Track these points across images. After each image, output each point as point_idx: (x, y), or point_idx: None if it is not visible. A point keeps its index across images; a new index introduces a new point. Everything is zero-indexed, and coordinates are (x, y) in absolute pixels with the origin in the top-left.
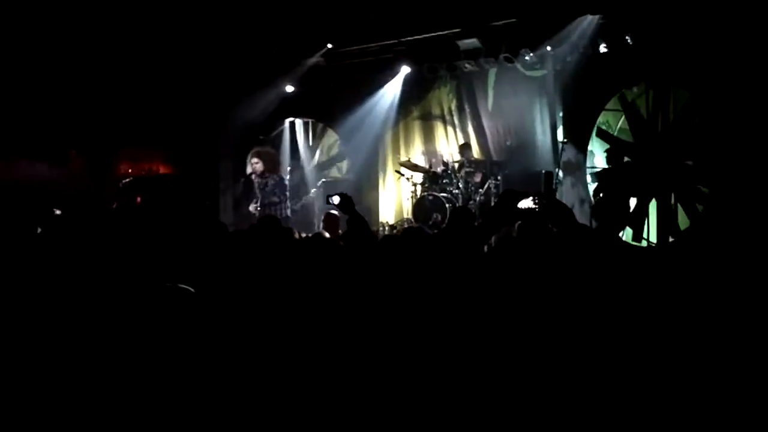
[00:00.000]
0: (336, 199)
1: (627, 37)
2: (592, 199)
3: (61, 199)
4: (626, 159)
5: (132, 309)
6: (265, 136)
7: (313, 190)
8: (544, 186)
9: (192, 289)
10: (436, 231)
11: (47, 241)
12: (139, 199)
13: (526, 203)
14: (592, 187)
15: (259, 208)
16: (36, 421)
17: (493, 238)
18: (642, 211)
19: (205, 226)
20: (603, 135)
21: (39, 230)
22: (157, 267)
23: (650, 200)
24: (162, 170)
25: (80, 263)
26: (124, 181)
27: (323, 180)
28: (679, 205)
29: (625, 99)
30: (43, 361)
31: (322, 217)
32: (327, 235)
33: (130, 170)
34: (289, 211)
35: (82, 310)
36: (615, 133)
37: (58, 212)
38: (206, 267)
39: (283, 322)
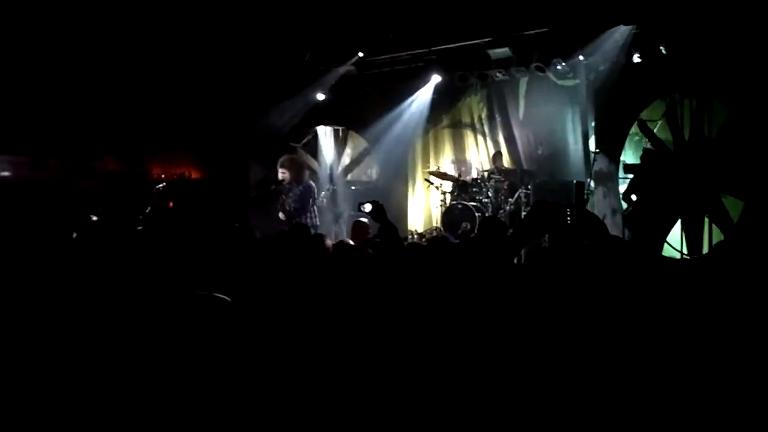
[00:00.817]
0: (368, 207)
1: (661, 47)
2: (623, 207)
3: (95, 203)
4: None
5: (165, 317)
6: (295, 143)
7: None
8: (575, 196)
9: (228, 299)
10: (464, 240)
11: (83, 246)
12: (171, 203)
13: (558, 215)
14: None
15: (285, 216)
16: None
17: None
18: (670, 222)
19: (236, 233)
20: (645, 130)
21: (74, 235)
22: (189, 274)
23: (682, 211)
24: (194, 175)
25: (114, 270)
26: (157, 186)
27: (353, 188)
28: (712, 217)
29: (673, 104)
30: (76, 367)
31: (351, 225)
32: (351, 242)
33: (162, 175)
34: (317, 220)
35: (116, 317)
36: (648, 144)
37: (94, 218)
38: (238, 275)
39: (314, 329)
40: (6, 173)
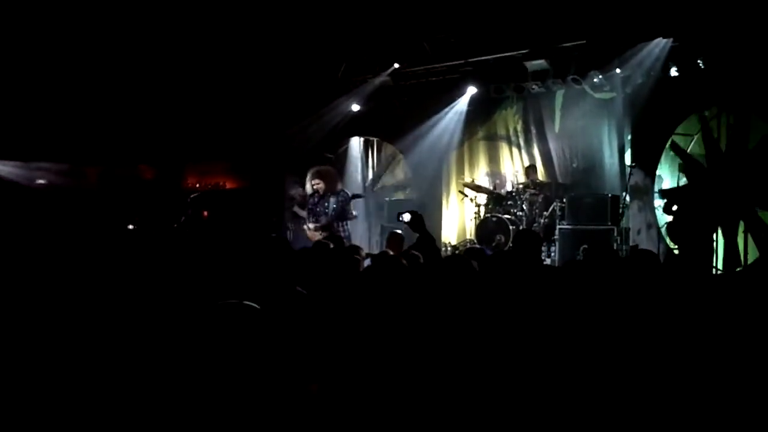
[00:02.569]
0: (407, 217)
1: (699, 61)
2: (659, 223)
3: (131, 212)
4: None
5: (197, 325)
6: (330, 154)
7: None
8: (610, 210)
9: (257, 306)
10: (498, 252)
11: (119, 255)
12: (206, 213)
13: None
14: (659, 204)
15: (317, 226)
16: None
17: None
18: (710, 238)
19: (271, 242)
20: (677, 150)
21: (111, 243)
22: (222, 282)
23: (718, 227)
24: (228, 185)
25: (148, 278)
26: (192, 195)
27: (387, 199)
28: (748, 232)
29: (704, 118)
30: (109, 374)
31: (388, 236)
32: (391, 253)
33: (197, 184)
34: (349, 231)
35: (148, 325)
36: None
37: (131, 227)
38: (271, 283)
39: (347, 339)
40: (44, 180)
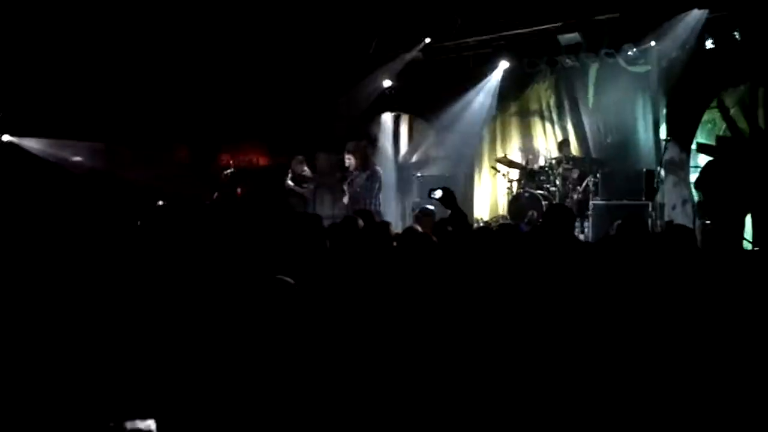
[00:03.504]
0: (438, 193)
1: (735, 33)
2: (695, 199)
3: (164, 190)
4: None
5: (232, 300)
6: (362, 130)
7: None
8: (645, 185)
9: (291, 281)
10: (534, 228)
11: (148, 233)
12: (239, 190)
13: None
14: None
15: (349, 202)
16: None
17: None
18: (745, 212)
19: (302, 219)
20: (724, 110)
21: (139, 223)
22: (257, 258)
23: (749, 202)
24: (262, 162)
25: (181, 255)
26: (225, 173)
27: (419, 175)
28: None
29: (722, 102)
30: (145, 351)
31: (417, 212)
32: (419, 228)
33: (231, 162)
34: (380, 207)
35: (182, 301)
36: (721, 132)
37: (161, 203)
38: (303, 258)
39: (379, 314)
40: (79, 158)
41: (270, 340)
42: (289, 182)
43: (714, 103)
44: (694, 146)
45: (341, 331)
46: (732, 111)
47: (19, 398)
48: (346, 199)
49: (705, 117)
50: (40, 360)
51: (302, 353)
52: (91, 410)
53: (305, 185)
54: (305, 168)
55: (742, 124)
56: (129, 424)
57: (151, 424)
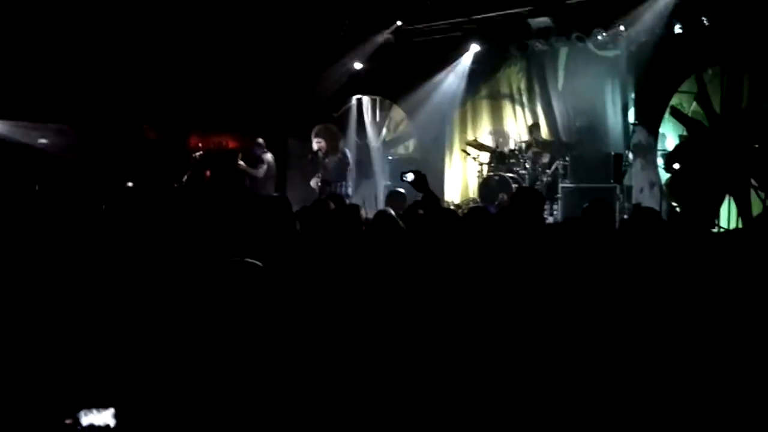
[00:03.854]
0: (410, 176)
1: (703, 18)
2: (662, 181)
3: (133, 171)
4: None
5: (200, 282)
6: (334, 113)
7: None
8: (613, 168)
9: (260, 263)
10: (502, 210)
11: (114, 214)
12: (208, 172)
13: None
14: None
15: (319, 185)
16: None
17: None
18: (717, 196)
19: (272, 201)
20: (677, 114)
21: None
22: (224, 241)
23: (723, 185)
24: (231, 145)
25: (147, 236)
26: (195, 155)
27: (389, 158)
28: (752, 191)
29: (702, 80)
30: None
31: (387, 195)
32: (392, 211)
33: (200, 144)
34: (350, 190)
35: (149, 284)
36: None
37: (130, 184)
38: (271, 241)
39: (346, 297)
40: (45, 140)
41: (238, 323)
42: (241, 162)
43: (684, 87)
44: (662, 130)
45: (309, 313)
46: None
47: None
48: (315, 182)
49: (673, 101)
50: None
51: (270, 335)
52: (47, 404)
53: (260, 166)
54: (265, 150)
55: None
56: (85, 417)
57: (109, 415)
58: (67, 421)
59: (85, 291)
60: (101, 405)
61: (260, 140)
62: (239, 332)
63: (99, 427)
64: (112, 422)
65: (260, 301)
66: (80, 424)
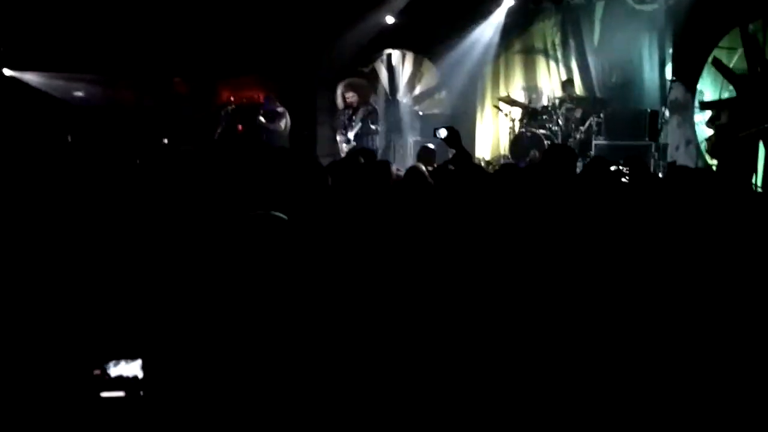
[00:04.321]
0: (443, 133)
1: None
2: (698, 140)
3: (165, 125)
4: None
5: (226, 236)
6: (363, 68)
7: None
8: (648, 125)
9: (285, 217)
10: (531, 166)
11: (151, 170)
12: (240, 127)
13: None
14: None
15: (350, 140)
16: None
17: None
18: (753, 153)
19: (302, 156)
20: (719, 66)
21: (138, 161)
22: (253, 195)
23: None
24: (262, 99)
25: (183, 192)
26: (226, 109)
27: (420, 113)
28: None
29: (746, 31)
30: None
31: (418, 150)
32: (423, 167)
33: (231, 98)
34: (376, 144)
35: (180, 238)
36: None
37: (165, 141)
38: (302, 196)
39: (375, 255)
40: (81, 93)
41: (264, 277)
42: (261, 118)
43: (724, 42)
44: (699, 86)
45: (333, 268)
46: (739, 52)
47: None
48: (347, 136)
49: (711, 57)
50: (21, 300)
51: (295, 289)
52: (75, 355)
53: (278, 120)
54: (278, 104)
55: (745, 65)
56: (113, 368)
57: (137, 366)
58: (95, 372)
59: (116, 243)
60: (129, 356)
61: (273, 95)
62: (266, 286)
63: (127, 378)
64: (140, 373)
65: (284, 254)
66: (108, 375)
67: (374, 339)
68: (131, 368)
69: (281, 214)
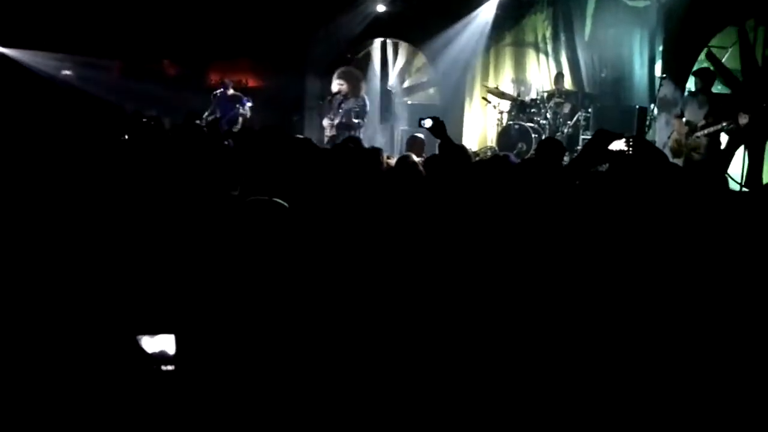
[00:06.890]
0: (428, 123)
1: None
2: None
3: (153, 106)
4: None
5: (223, 220)
6: (353, 56)
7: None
8: (637, 122)
9: (285, 204)
10: (524, 161)
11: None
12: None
13: (618, 145)
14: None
15: (334, 126)
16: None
17: None
18: (731, 151)
19: (292, 141)
20: (712, 59)
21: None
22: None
23: (746, 141)
24: (251, 84)
25: (171, 173)
26: (215, 92)
27: (409, 103)
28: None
29: (744, 30)
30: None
31: (407, 140)
32: (414, 157)
33: (224, 80)
34: (362, 134)
35: (174, 220)
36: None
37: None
38: (295, 182)
39: (370, 240)
40: (69, 72)
41: (265, 261)
42: (248, 104)
43: (715, 41)
44: (688, 85)
45: (332, 252)
46: (729, 50)
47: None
48: (328, 123)
49: (701, 56)
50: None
51: (294, 272)
52: (110, 330)
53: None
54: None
55: (736, 65)
56: (146, 342)
57: (169, 339)
58: (137, 337)
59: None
60: (162, 331)
61: (227, 80)
62: (269, 268)
63: (159, 353)
64: (171, 349)
65: (285, 239)
66: (142, 350)
67: (367, 327)
68: (164, 343)
69: (281, 201)
